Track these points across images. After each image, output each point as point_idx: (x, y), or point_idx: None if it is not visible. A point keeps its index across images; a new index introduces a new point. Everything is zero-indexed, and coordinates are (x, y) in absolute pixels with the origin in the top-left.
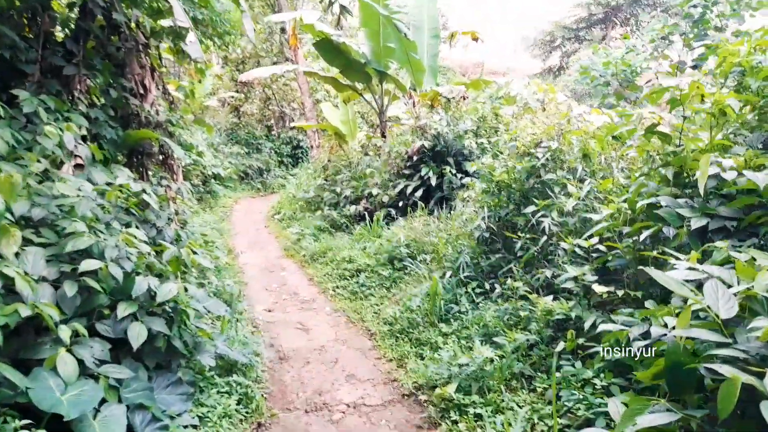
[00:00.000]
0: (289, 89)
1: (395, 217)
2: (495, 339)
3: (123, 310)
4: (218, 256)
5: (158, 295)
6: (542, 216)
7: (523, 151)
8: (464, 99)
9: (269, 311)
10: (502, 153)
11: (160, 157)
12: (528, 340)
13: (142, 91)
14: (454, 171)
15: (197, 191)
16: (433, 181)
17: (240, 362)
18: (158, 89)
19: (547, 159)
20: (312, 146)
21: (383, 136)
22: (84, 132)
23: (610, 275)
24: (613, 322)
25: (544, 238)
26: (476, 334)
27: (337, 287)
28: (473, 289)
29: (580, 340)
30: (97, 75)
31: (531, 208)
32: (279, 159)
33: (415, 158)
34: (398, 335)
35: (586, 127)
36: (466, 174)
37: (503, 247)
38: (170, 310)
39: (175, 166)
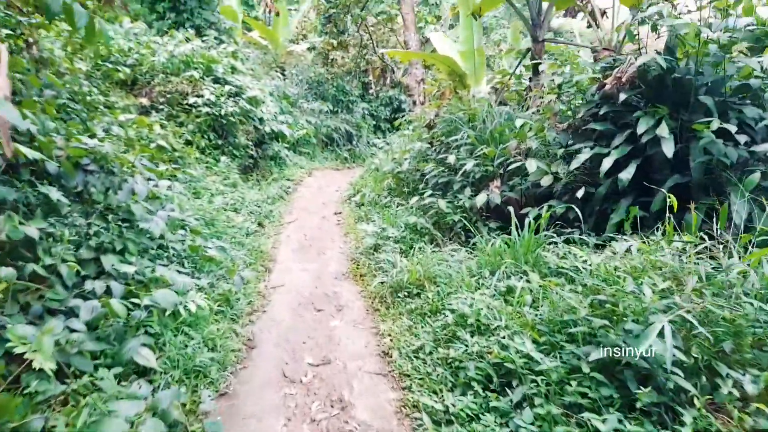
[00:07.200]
0: (388, 30)
1: (572, 227)
2: None
3: None
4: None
5: None
6: None
7: None
8: None
9: None
10: None
11: None
12: None
13: None
14: (722, 126)
15: (244, 155)
16: (668, 149)
17: None
18: None
19: None
20: (416, 102)
21: (536, 62)
22: None
23: None
24: None
25: None
26: None
27: (444, 415)
28: None
29: None
30: None
31: None
32: (375, 123)
33: (621, 96)
34: None
35: None
36: (751, 138)
37: None
38: None
39: None
